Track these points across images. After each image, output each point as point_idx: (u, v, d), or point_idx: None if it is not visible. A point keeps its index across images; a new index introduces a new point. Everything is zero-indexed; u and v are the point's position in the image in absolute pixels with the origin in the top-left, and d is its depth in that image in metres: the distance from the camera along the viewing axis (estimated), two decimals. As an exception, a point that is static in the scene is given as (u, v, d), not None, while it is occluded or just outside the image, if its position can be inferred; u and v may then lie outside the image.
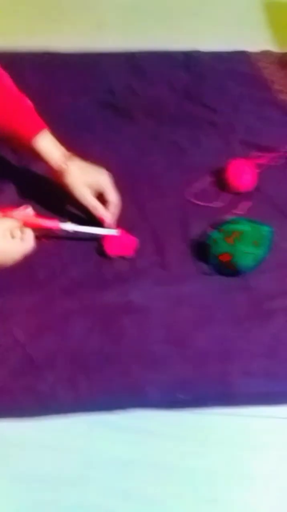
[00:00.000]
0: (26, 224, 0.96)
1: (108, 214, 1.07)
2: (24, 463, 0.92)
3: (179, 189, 1.17)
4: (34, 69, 1.31)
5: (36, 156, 1.03)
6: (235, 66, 1.36)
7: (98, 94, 1.30)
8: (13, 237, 0.94)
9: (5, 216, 0.95)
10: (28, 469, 0.91)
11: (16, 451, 0.92)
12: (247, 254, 1.02)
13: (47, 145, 1.02)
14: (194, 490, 0.91)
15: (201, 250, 1.08)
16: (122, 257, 1.07)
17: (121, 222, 1.10)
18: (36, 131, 1.01)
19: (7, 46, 1.32)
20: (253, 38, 1.44)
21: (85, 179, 1.04)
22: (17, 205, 1.06)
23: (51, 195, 1.11)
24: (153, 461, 0.93)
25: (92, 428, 0.95)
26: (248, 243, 1.03)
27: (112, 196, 1.07)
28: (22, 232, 0.95)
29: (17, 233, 0.95)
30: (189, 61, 1.36)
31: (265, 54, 1.38)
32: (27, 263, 1.03)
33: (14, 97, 1.03)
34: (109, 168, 1.15)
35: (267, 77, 1.35)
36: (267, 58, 1.37)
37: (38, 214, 1.01)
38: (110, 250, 1.07)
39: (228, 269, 1.04)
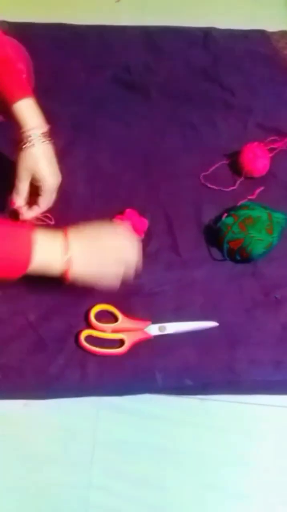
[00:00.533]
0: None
1: (25, 207, 0.99)
2: (33, 443, 0.93)
3: (193, 172, 1.16)
4: (49, 42, 1.29)
5: (14, 121, 0.95)
6: (253, 46, 1.33)
7: (114, 71, 1.28)
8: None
9: None
10: (36, 449, 0.93)
11: (25, 432, 0.94)
12: (259, 241, 1.02)
13: (27, 111, 0.94)
14: (198, 474, 0.93)
15: (213, 235, 1.07)
16: None
17: (134, 202, 1.09)
18: (20, 95, 0.93)
19: (22, 19, 1.29)
20: (272, 18, 1.41)
21: (35, 168, 0.96)
22: None
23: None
24: (159, 445, 0.94)
25: (101, 411, 0.96)
26: (260, 229, 1.02)
27: (44, 204, 0.99)
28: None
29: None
30: (206, 39, 1.33)
31: (285, 34, 1.35)
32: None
33: (5, 59, 0.96)
34: (122, 148, 1.15)
35: (286, 58, 1.32)
36: (286, 39, 1.34)
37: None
38: None
39: (239, 255, 1.04)
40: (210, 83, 1.27)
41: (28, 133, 0.94)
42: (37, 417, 0.95)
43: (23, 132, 0.94)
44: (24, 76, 0.98)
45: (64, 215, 1.06)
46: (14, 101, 0.93)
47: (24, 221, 0.98)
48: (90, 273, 0.88)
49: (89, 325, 0.98)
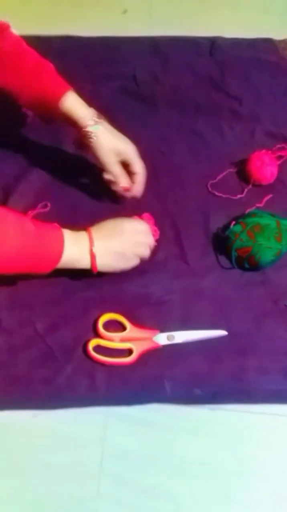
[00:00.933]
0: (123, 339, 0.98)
1: (132, 184, 1.06)
2: (41, 453, 0.92)
3: (201, 180, 1.16)
4: (56, 54, 1.27)
5: (64, 118, 1.00)
6: (260, 54, 1.33)
7: (121, 81, 1.28)
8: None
9: None
10: (45, 460, 0.92)
11: (34, 442, 0.93)
12: (267, 249, 1.01)
13: (75, 103, 1.00)
14: (207, 484, 0.91)
15: (221, 243, 1.07)
16: None
17: (141, 211, 1.09)
18: (63, 91, 0.99)
19: (29, 31, 1.30)
20: (279, 26, 1.41)
21: (114, 145, 1.02)
22: (33, 204, 1.08)
23: (69, 194, 1.12)
24: (168, 455, 0.93)
25: (109, 421, 0.95)
26: (269, 237, 1.02)
27: (139, 166, 1.06)
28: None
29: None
30: (213, 48, 1.34)
31: (292, 42, 1.35)
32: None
33: (37, 61, 1.02)
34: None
35: (293, 66, 1.32)
36: (294, 47, 1.35)
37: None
38: None
39: (248, 263, 1.04)
40: (217, 92, 1.27)
41: (88, 122, 0.99)
42: (46, 427, 0.94)
43: (81, 123, 0.99)
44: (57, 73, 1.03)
45: (73, 224, 1.06)
46: (61, 97, 0.98)
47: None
48: (113, 262, 0.97)
49: (97, 335, 0.98)
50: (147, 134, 1.21)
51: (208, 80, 1.29)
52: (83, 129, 1.00)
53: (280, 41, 1.35)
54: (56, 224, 0.94)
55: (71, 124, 1.01)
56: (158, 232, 1.08)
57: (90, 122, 1.00)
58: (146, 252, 1.00)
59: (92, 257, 0.93)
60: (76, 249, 0.92)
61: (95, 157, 1.03)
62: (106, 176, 1.06)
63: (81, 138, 1.02)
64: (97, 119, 1.00)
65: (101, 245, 0.94)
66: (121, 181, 1.04)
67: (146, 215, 1.07)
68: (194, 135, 1.22)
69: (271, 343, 0.99)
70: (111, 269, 0.97)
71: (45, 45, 1.29)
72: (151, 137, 1.21)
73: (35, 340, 0.98)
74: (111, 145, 1.02)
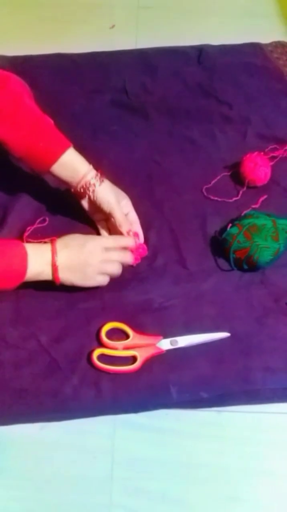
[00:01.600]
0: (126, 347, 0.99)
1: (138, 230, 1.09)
2: (51, 466, 0.93)
3: (196, 186, 1.16)
4: (47, 72, 1.31)
5: (59, 176, 1.01)
6: (248, 58, 1.34)
7: (112, 94, 1.30)
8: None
9: None
10: (55, 472, 0.93)
11: (43, 454, 0.94)
12: (265, 248, 1.02)
13: (76, 159, 1.01)
14: (218, 487, 0.92)
15: (219, 246, 1.07)
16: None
17: (139, 220, 1.10)
18: (64, 147, 0.99)
19: (18, 51, 1.33)
20: (265, 30, 1.43)
21: (116, 192, 1.05)
22: (32, 220, 1.10)
23: (66, 209, 1.12)
24: (177, 460, 0.94)
25: (117, 429, 0.95)
26: (266, 237, 1.02)
27: (135, 216, 1.09)
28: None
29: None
30: (201, 56, 1.35)
31: (278, 45, 1.36)
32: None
33: (37, 116, 1.00)
34: (125, 168, 1.16)
35: (282, 68, 1.33)
36: (280, 49, 1.36)
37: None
38: None
39: (246, 264, 1.04)
40: (207, 98, 1.28)
41: (86, 179, 1.01)
42: (54, 439, 0.95)
43: (79, 180, 1.01)
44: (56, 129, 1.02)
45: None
46: (58, 157, 0.98)
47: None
48: (74, 276, 0.96)
49: (101, 344, 0.99)
50: (140, 144, 1.23)
51: (197, 88, 1.30)
52: (87, 182, 1.01)
53: (267, 45, 1.36)
54: (18, 240, 0.95)
55: (70, 178, 1.01)
56: (146, 250, 1.08)
57: (93, 173, 1.02)
58: (115, 269, 0.99)
59: (54, 268, 0.93)
60: (39, 261, 0.93)
61: (96, 206, 1.04)
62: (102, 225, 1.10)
63: (81, 191, 1.03)
64: (98, 175, 1.02)
65: (65, 257, 0.94)
66: (125, 225, 1.04)
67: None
68: (186, 142, 1.23)
69: (274, 342, 1.00)
70: (71, 284, 0.97)
71: (35, 64, 1.33)
72: (144, 147, 1.22)
73: (39, 353, 0.99)
74: (113, 192, 1.04)
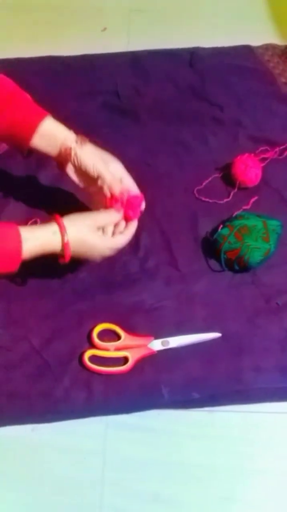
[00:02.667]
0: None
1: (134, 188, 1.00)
2: (42, 467, 0.93)
3: (187, 188, 1.17)
4: (38, 75, 1.31)
5: (42, 144, 0.95)
6: (239, 61, 1.34)
7: (104, 97, 1.30)
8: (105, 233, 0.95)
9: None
10: (46, 473, 0.93)
11: (34, 456, 0.94)
12: (255, 249, 1.02)
13: (56, 125, 0.96)
14: (210, 487, 0.92)
15: (211, 247, 1.08)
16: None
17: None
18: (42, 116, 0.94)
19: (10, 53, 1.33)
20: (256, 32, 1.43)
21: (100, 155, 0.98)
22: (26, 218, 1.09)
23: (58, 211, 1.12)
24: (169, 460, 0.94)
25: (108, 430, 0.96)
26: (256, 237, 1.03)
27: (130, 180, 1.00)
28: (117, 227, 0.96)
29: (110, 230, 0.95)
30: (192, 58, 1.35)
31: (269, 47, 1.37)
32: (40, 269, 1.06)
33: (13, 90, 0.97)
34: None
35: (272, 71, 1.34)
36: (271, 51, 1.36)
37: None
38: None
39: (237, 265, 1.04)
40: (198, 101, 1.29)
41: (66, 144, 0.95)
42: (46, 440, 0.95)
43: (59, 146, 0.95)
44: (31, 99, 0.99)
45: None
46: (40, 121, 0.93)
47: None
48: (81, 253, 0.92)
49: (93, 345, 0.99)
50: (132, 146, 1.23)
51: (189, 90, 1.31)
52: (67, 147, 0.95)
53: (257, 47, 1.37)
54: (13, 223, 0.89)
55: (50, 148, 0.96)
56: (142, 198, 1.01)
57: (73, 137, 0.96)
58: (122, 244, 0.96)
59: (62, 228, 0.88)
60: (40, 235, 0.88)
61: (83, 174, 0.97)
62: (92, 189, 1.01)
63: (64, 158, 0.96)
64: (80, 140, 0.96)
65: (75, 231, 0.90)
66: (116, 185, 0.96)
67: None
68: (178, 144, 1.23)
69: (265, 342, 1.00)
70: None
71: (27, 67, 1.33)
72: (136, 149, 1.22)
73: (31, 355, 0.99)
74: (98, 153, 0.98)
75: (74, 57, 1.37)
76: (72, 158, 0.95)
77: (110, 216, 0.96)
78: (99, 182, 0.97)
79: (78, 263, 1.06)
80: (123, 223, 0.97)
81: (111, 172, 0.97)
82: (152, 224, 1.12)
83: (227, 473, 0.93)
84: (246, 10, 1.50)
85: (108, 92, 1.31)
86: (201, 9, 1.51)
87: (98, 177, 0.96)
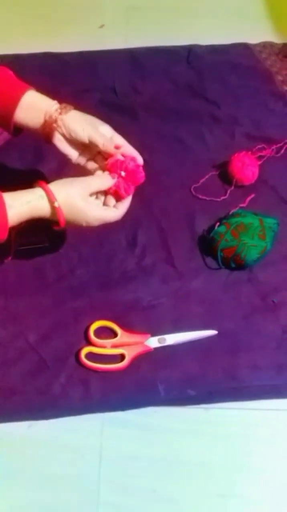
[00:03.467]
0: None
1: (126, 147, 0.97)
2: (39, 463, 0.93)
3: (184, 185, 1.17)
4: (36, 71, 1.31)
5: (26, 124, 0.92)
6: (236, 59, 1.35)
7: (101, 94, 1.30)
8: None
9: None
10: (43, 469, 0.92)
11: (31, 452, 0.94)
12: (252, 247, 1.03)
13: (38, 98, 0.93)
14: (207, 484, 0.92)
15: (207, 245, 1.08)
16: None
17: (127, 218, 1.10)
18: (24, 89, 0.92)
19: (7, 49, 1.33)
20: (253, 30, 1.43)
21: (88, 119, 0.94)
22: None
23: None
24: (165, 457, 0.94)
25: (105, 427, 0.95)
26: (253, 235, 1.03)
27: (122, 138, 0.97)
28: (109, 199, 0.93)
29: (102, 198, 0.93)
30: (190, 56, 1.35)
31: (266, 45, 1.37)
32: (36, 266, 1.06)
33: None
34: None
35: (269, 69, 1.34)
36: (268, 49, 1.37)
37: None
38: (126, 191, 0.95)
39: (234, 263, 1.05)
40: (196, 98, 1.29)
41: (50, 113, 0.91)
42: (42, 437, 0.94)
43: (44, 117, 0.91)
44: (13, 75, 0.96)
45: (60, 236, 1.09)
46: (19, 98, 0.90)
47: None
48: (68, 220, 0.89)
49: (89, 342, 0.99)
50: (129, 143, 1.22)
51: (186, 87, 1.31)
52: (51, 115, 0.91)
53: (255, 45, 1.37)
54: None
55: (36, 120, 0.92)
56: (143, 175, 0.97)
57: (56, 105, 0.92)
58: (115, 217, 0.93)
59: (49, 193, 0.86)
60: (26, 200, 0.85)
61: (74, 141, 0.93)
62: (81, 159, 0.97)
63: (50, 127, 0.92)
64: (64, 107, 0.92)
65: (64, 195, 0.87)
66: (109, 144, 0.93)
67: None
68: (175, 141, 1.24)
69: (261, 340, 1.00)
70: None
71: (24, 63, 1.33)
72: (132, 146, 1.21)
73: (28, 352, 0.99)
74: (85, 118, 0.94)
75: (71, 54, 1.37)
76: (58, 126, 0.91)
77: (102, 181, 0.92)
78: (91, 146, 0.94)
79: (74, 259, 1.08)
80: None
81: (103, 134, 0.94)
82: (149, 221, 1.13)
83: (224, 470, 0.93)
84: (243, 8, 1.50)
85: (105, 88, 1.31)
86: (198, 6, 1.51)
87: (89, 142, 0.93)
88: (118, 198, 0.94)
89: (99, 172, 0.96)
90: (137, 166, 0.96)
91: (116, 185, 0.93)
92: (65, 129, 0.92)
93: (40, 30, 1.45)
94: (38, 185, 0.88)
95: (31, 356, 0.98)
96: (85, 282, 1.05)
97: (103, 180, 0.93)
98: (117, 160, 0.94)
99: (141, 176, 0.96)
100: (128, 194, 0.94)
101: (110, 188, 0.93)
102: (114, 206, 0.94)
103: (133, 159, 0.96)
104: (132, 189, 0.95)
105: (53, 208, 0.86)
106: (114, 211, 0.93)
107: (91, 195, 0.91)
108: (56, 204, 0.86)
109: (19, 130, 0.96)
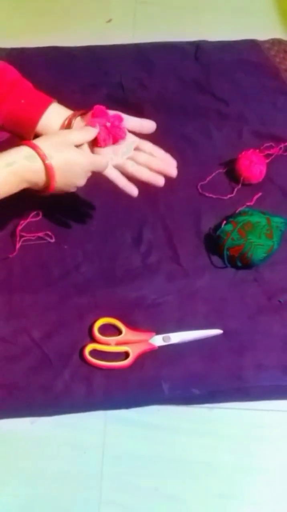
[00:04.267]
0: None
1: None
2: (41, 460, 0.92)
3: (191, 182, 1.16)
4: (43, 66, 1.31)
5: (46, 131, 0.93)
6: (244, 55, 1.34)
7: (108, 89, 1.29)
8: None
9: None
10: (45, 466, 0.92)
11: (33, 449, 0.93)
12: (259, 246, 1.02)
13: (59, 109, 0.96)
14: (210, 484, 0.91)
15: (213, 243, 1.07)
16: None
17: (132, 216, 1.10)
18: (47, 102, 0.94)
19: (14, 43, 1.32)
20: (262, 27, 1.42)
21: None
22: (26, 214, 1.09)
23: (60, 203, 1.09)
24: (168, 456, 0.93)
25: (108, 425, 0.95)
26: (260, 234, 1.02)
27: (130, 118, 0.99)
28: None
29: (86, 147, 0.92)
30: (197, 52, 1.35)
31: (275, 42, 1.36)
32: (41, 262, 1.05)
33: (15, 78, 0.96)
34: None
35: (278, 66, 1.33)
36: (277, 46, 1.36)
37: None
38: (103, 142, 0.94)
39: (240, 262, 1.04)
40: (203, 95, 1.28)
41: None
42: (45, 434, 0.94)
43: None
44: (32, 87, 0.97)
45: (64, 231, 1.08)
46: (43, 112, 0.92)
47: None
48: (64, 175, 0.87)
49: (93, 339, 0.98)
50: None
51: (194, 84, 1.30)
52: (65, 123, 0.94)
53: (264, 42, 1.36)
54: None
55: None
56: (121, 119, 0.97)
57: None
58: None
59: (37, 149, 0.83)
60: (12, 160, 0.82)
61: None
62: None
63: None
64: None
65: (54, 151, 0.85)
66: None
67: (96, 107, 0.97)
68: (182, 138, 1.23)
69: (267, 340, 1.00)
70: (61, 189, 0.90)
71: (31, 57, 1.32)
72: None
73: (31, 348, 0.98)
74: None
75: (79, 48, 1.36)
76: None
77: (87, 132, 0.92)
78: None
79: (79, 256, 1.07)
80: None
81: None
82: (154, 218, 1.12)
83: (227, 470, 0.92)
84: (252, 4, 1.50)
85: (112, 84, 1.30)
86: (206, 2, 1.50)
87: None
88: (95, 145, 0.93)
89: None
90: (121, 120, 0.96)
91: (98, 132, 0.92)
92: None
93: (47, 25, 1.44)
94: (24, 144, 0.84)
95: (35, 352, 0.98)
96: (90, 279, 1.05)
97: (87, 131, 0.92)
98: (105, 111, 0.95)
99: (123, 132, 0.95)
100: (106, 145, 0.93)
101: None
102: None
103: (120, 117, 0.96)
104: (110, 142, 0.94)
105: (46, 166, 0.83)
106: (101, 156, 0.92)
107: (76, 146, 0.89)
108: (47, 162, 0.83)
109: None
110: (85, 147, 0.94)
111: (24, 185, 0.85)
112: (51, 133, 0.90)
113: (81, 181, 0.92)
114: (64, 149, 0.87)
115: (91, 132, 0.92)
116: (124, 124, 0.97)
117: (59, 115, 0.94)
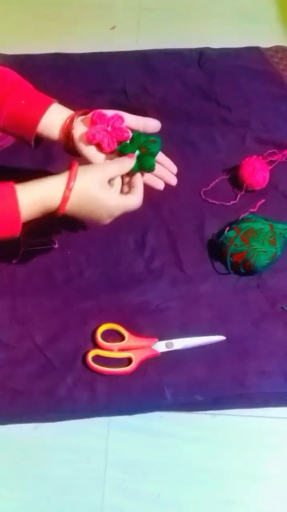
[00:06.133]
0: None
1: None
2: (44, 466, 0.93)
3: (194, 188, 1.16)
4: (47, 71, 1.31)
5: (46, 132, 0.91)
6: (248, 62, 1.34)
7: (112, 95, 1.29)
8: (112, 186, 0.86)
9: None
10: (48, 472, 0.92)
11: (36, 455, 0.93)
12: (262, 252, 1.02)
13: (60, 108, 0.93)
14: (212, 490, 0.91)
15: (217, 249, 1.07)
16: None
17: (136, 221, 1.10)
18: (48, 102, 0.91)
19: (19, 49, 1.32)
20: (265, 34, 1.42)
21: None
22: None
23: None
24: (171, 463, 0.93)
25: (111, 431, 0.95)
26: (263, 241, 1.02)
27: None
28: (126, 183, 0.89)
29: (117, 183, 0.88)
30: (201, 58, 1.35)
31: (278, 49, 1.36)
32: (45, 267, 1.05)
33: (15, 79, 0.94)
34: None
35: (281, 73, 1.33)
36: (281, 53, 1.36)
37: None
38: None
39: (243, 268, 1.04)
40: (207, 101, 1.28)
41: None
42: (48, 439, 0.94)
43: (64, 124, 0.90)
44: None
45: (67, 236, 1.08)
46: (43, 112, 0.90)
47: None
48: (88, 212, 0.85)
49: (96, 345, 0.99)
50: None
51: (197, 90, 1.30)
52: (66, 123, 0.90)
53: (267, 49, 1.36)
54: (10, 182, 0.85)
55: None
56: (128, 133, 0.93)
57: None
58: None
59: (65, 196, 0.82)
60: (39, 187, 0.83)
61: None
62: None
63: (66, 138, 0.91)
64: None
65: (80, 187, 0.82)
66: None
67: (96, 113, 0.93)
68: (185, 144, 1.23)
69: (270, 347, 1.00)
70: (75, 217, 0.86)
71: (35, 63, 1.32)
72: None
73: (34, 353, 0.98)
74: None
75: (83, 55, 1.36)
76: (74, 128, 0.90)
77: (121, 165, 0.88)
78: None
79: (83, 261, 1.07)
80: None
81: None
82: (158, 224, 1.12)
83: (229, 477, 0.92)
84: (256, 12, 1.49)
85: (116, 90, 1.31)
86: (210, 9, 1.50)
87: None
88: (99, 151, 0.91)
89: (116, 158, 0.91)
90: (122, 120, 0.94)
91: (101, 139, 0.90)
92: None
93: (51, 31, 1.45)
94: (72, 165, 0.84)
95: (38, 357, 0.98)
96: (93, 284, 1.05)
97: (122, 163, 0.88)
98: (104, 115, 0.93)
99: (125, 132, 0.93)
100: (111, 150, 0.91)
101: (93, 139, 0.89)
102: (128, 193, 0.89)
103: (120, 117, 0.94)
104: (115, 146, 0.91)
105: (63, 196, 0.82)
106: (134, 197, 0.89)
107: (110, 181, 0.86)
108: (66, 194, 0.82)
109: (38, 142, 0.94)
110: (118, 183, 0.90)
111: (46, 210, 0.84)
112: (81, 168, 0.85)
113: (106, 221, 0.89)
114: (95, 191, 0.84)
115: (128, 164, 0.89)
116: (126, 123, 0.95)
117: (60, 115, 0.93)
